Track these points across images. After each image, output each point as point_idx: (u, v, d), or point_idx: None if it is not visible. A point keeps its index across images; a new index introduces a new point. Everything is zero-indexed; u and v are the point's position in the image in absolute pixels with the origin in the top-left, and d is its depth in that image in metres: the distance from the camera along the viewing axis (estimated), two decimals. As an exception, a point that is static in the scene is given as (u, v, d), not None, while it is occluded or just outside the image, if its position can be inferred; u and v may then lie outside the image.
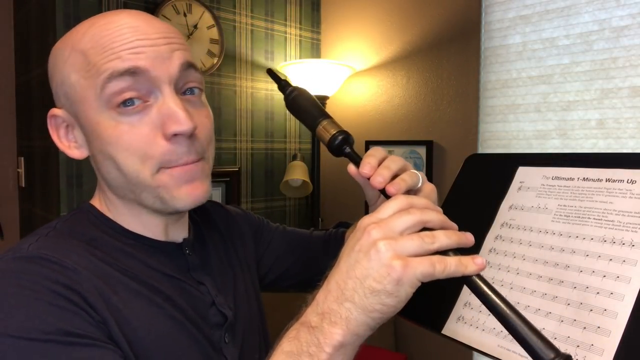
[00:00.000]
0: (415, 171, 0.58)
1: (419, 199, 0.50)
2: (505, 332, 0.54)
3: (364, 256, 0.45)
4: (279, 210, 2.21)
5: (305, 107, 0.63)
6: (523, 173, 0.65)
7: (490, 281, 0.60)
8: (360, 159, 0.58)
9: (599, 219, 0.54)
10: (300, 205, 2.30)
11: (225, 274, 0.72)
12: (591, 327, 0.49)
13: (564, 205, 0.58)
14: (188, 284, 0.63)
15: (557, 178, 0.61)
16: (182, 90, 0.59)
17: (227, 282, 0.71)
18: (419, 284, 0.45)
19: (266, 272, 0.85)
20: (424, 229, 0.48)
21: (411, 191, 0.57)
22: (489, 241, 0.62)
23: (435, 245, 0.46)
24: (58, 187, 1.57)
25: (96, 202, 0.64)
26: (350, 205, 2.16)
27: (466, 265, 0.45)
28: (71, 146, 0.61)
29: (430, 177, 1.87)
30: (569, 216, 0.57)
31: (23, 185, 2.09)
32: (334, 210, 2.24)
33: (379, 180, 0.54)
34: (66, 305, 0.49)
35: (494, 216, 0.64)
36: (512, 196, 0.64)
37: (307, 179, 2.07)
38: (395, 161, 0.57)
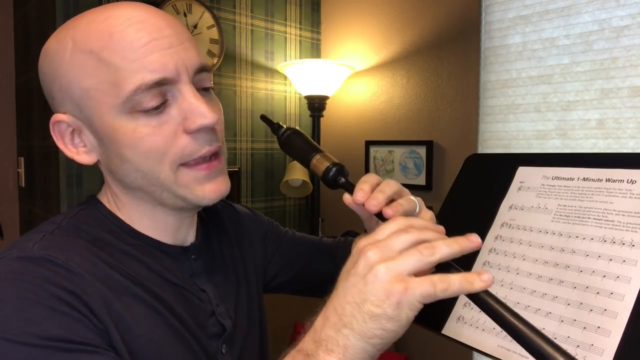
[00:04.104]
0: (413, 197, 0.56)
1: (418, 220, 0.48)
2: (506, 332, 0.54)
3: (361, 279, 0.44)
4: (279, 210, 2.21)
5: (298, 145, 0.64)
6: (523, 173, 0.65)
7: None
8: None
9: (599, 219, 0.54)
10: (300, 205, 2.30)
11: (229, 280, 0.71)
12: (591, 327, 0.49)
13: (564, 205, 0.58)
14: (190, 291, 0.62)
15: (557, 178, 0.61)
16: (196, 88, 0.58)
17: (229, 290, 0.70)
18: (421, 306, 0.43)
19: (273, 277, 0.84)
20: None
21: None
22: (489, 241, 0.62)
23: (436, 257, 0.44)
24: (58, 187, 1.58)
25: (104, 199, 0.63)
26: (350, 205, 2.16)
27: (472, 282, 0.43)
28: (80, 152, 0.58)
29: (430, 177, 1.87)
30: (569, 216, 0.57)
31: (23, 185, 2.09)
32: (334, 210, 2.24)
33: (373, 203, 0.53)
34: (68, 311, 0.48)
35: (494, 216, 0.64)
36: (512, 196, 0.64)
37: (307, 179, 2.07)
38: (390, 185, 0.56)
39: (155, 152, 0.54)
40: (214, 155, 0.59)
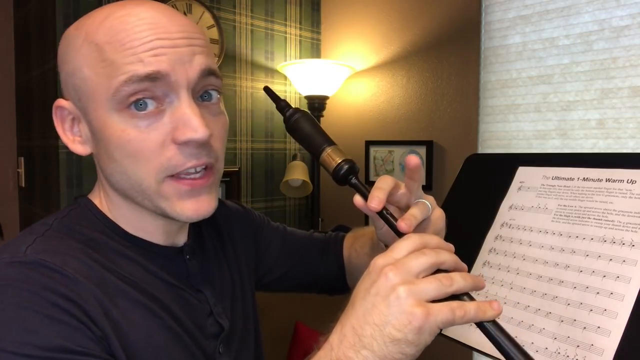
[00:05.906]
0: (425, 200, 0.57)
1: (431, 237, 0.50)
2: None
3: (382, 301, 0.44)
4: (279, 210, 2.21)
5: (309, 132, 0.60)
6: (523, 173, 0.65)
7: (490, 281, 0.60)
8: (367, 189, 0.57)
9: (599, 219, 0.54)
10: (300, 205, 2.30)
11: (224, 279, 0.70)
12: (591, 327, 0.49)
13: (564, 205, 0.58)
14: (187, 292, 0.62)
15: (557, 178, 0.61)
16: (199, 94, 0.56)
17: (225, 289, 0.70)
18: (439, 332, 0.44)
19: (265, 273, 0.84)
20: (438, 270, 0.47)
21: None
22: (489, 241, 0.62)
23: (453, 288, 0.45)
24: (58, 187, 1.57)
25: (96, 199, 0.62)
26: (350, 205, 2.15)
27: (484, 310, 0.45)
28: (75, 141, 0.58)
29: (430, 177, 1.87)
30: (569, 216, 0.57)
31: (23, 185, 2.09)
32: (334, 210, 2.24)
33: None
34: (66, 319, 0.47)
35: (494, 216, 0.64)
36: (512, 196, 0.64)
37: (307, 179, 2.07)
38: (405, 195, 0.57)
39: (140, 157, 0.53)
40: (205, 171, 0.56)
